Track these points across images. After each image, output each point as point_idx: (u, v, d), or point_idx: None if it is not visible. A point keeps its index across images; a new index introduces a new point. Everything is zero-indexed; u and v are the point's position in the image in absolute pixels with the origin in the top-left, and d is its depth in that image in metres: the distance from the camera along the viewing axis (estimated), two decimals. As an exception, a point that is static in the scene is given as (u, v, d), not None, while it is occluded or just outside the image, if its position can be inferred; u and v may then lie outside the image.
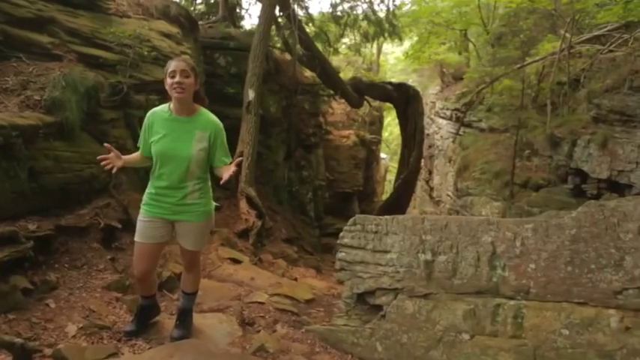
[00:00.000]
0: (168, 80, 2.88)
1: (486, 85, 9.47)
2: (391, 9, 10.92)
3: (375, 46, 16.43)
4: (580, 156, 7.23)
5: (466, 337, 2.72)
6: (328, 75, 12.28)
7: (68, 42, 5.21)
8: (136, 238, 3.10)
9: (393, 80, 14.76)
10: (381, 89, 13.48)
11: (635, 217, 2.33)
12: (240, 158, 3.35)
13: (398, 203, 13.83)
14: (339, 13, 12.29)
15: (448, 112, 15.00)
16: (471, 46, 15.52)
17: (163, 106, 3.09)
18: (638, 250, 2.28)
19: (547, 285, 2.53)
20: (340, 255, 3.81)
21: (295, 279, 7.19)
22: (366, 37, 11.76)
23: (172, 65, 2.88)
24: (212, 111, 9.70)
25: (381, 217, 3.58)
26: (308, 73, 14.00)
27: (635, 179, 6.49)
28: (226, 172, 2.83)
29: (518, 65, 8.96)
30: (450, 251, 2.99)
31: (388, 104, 16.42)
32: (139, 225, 3.10)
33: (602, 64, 8.56)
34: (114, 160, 2.91)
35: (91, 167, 4.77)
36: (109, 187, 5.12)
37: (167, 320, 3.74)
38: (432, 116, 16.64)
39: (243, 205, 8.20)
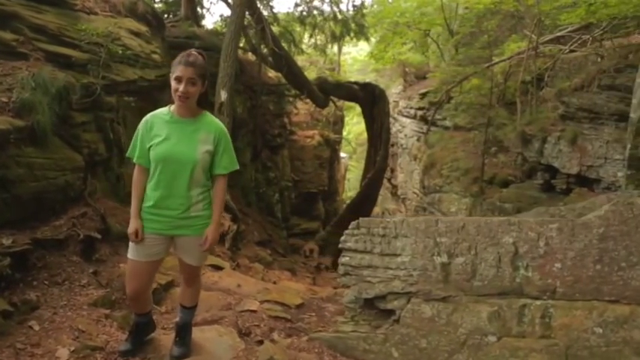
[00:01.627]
0: (173, 84, 2.63)
1: (456, 84, 9.63)
2: (355, 8, 10.90)
3: (336, 46, 16.40)
4: (550, 152, 7.46)
5: (493, 339, 2.68)
6: (295, 75, 12.14)
7: (33, 39, 4.82)
8: (130, 256, 2.83)
9: (359, 80, 14.79)
10: (347, 89, 13.48)
11: (665, 214, 2.38)
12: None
13: (365, 202, 13.89)
14: (304, 13, 12.17)
15: (412, 111, 15.21)
16: (433, 45, 15.85)
17: (163, 109, 2.84)
18: (670, 246, 2.32)
19: (575, 284, 2.52)
20: (344, 259, 3.69)
21: (274, 282, 7.05)
22: (333, 37, 11.70)
23: (180, 69, 2.61)
24: (180, 113, 9.20)
25: (388, 219, 3.49)
26: (272, 73, 13.81)
27: (603, 174, 6.76)
28: (210, 236, 2.78)
29: (486, 65, 9.16)
30: (468, 253, 2.95)
31: (348, 103, 16.49)
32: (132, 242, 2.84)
33: (564, 64, 8.89)
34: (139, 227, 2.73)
35: (65, 174, 4.44)
36: (84, 195, 4.77)
37: (163, 336, 3.50)
38: (395, 115, 16.83)
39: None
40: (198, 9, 13.23)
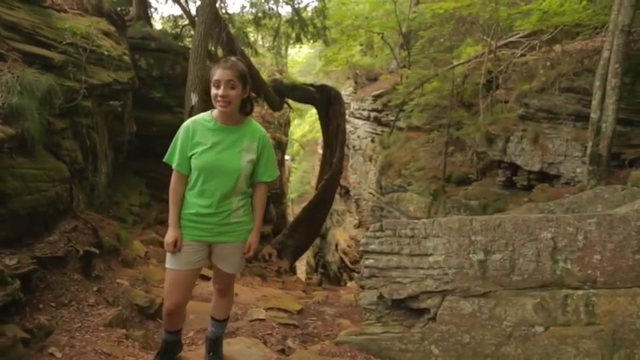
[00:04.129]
0: (213, 90, 2.52)
1: (418, 86, 9.96)
2: (315, 10, 10.94)
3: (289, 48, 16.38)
4: (513, 151, 7.93)
5: (540, 329, 2.82)
6: (252, 78, 11.97)
7: (7, 38, 4.41)
8: (170, 265, 2.69)
9: (315, 82, 14.88)
10: (302, 91, 13.48)
11: (697, 206, 2.64)
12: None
13: (322, 204, 13.96)
14: (259, 14, 12.03)
15: (365, 113, 15.50)
16: (382, 48, 16.28)
17: (205, 114, 2.71)
18: None
19: (615, 273, 2.73)
20: (368, 262, 3.71)
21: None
22: (293, 39, 11.66)
23: (218, 73, 2.51)
24: (138, 117, 8.92)
25: (416, 221, 3.56)
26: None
27: (563, 170, 7.30)
28: (251, 242, 2.76)
29: (448, 67, 9.56)
30: (506, 249, 3.08)
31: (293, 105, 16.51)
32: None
33: (516, 67, 9.48)
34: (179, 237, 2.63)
35: (55, 186, 4.11)
36: (72, 208, 4.45)
37: (189, 353, 3.35)
38: (347, 117, 17.06)
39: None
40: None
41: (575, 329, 2.74)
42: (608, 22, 7.37)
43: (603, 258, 2.77)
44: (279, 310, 4.99)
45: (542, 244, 2.96)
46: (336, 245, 18.99)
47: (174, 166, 2.68)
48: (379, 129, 14.96)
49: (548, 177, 7.64)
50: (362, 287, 8.46)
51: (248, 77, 2.68)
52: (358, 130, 16.80)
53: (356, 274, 16.33)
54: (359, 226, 17.57)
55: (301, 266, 20.79)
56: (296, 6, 11.85)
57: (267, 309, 4.83)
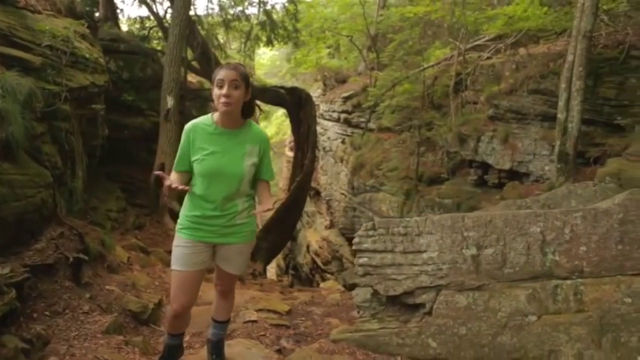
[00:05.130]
0: (216, 90, 2.52)
1: (390, 88, 10.18)
2: (287, 13, 10.99)
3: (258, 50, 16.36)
4: (484, 150, 8.23)
5: (533, 318, 2.99)
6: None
7: (-17, 40, 4.28)
8: (176, 267, 2.69)
9: (285, 84, 14.91)
10: (273, 93, 13.49)
11: (674, 199, 2.86)
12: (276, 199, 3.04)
13: (295, 205, 14.01)
14: (229, 17, 11.98)
15: (335, 115, 15.64)
16: (349, 50, 16.50)
17: (205, 118, 2.71)
18: (680, 225, 2.81)
19: (600, 263, 2.92)
20: (362, 260, 3.80)
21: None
22: (262, 42, 11.67)
23: (221, 73, 2.51)
24: (109, 121, 8.75)
25: (408, 219, 3.68)
26: (193, 77, 13.39)
27: (532, 168, 7.64)
28: (264, 205, 2.65)
29: (419, 69, 9.82)
30: (497, 244, 3.24)
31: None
32: (178, 251, 2.69)
33: (482, 69, 9.84)
34: (174, 181, 2.52)
35: (41, 192, 4.01)
36: (56, 214, 4.34)
37: (189, 357, 3.37)
38: (317, 119, 17.15)
39: (169, 221, 7.58)
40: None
41: (565, 317, 2.92)
42: (569, 28, 7.79)
43: (589, 249, 2.96)
44: (269, 311, 5.02)
45: (531, 237, 3.13)
46: (308, 247, 19.04)
47: (174, 169, 2.72)
48: (349, 130, 15.12)
49: (518, 175, 7.98)
50: (344, 286, 8.57)
51: (250, 80, 2.72)
52: (328, 132, 16.94)
53: (328, 275, 16.47)
54: (330, 227, 17.68)
55: (271, 269, 20.72)
56: (267, 7, 11.90)
57: (258, 310, 4.86)
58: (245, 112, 2.73)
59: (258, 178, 2.79)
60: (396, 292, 3.59)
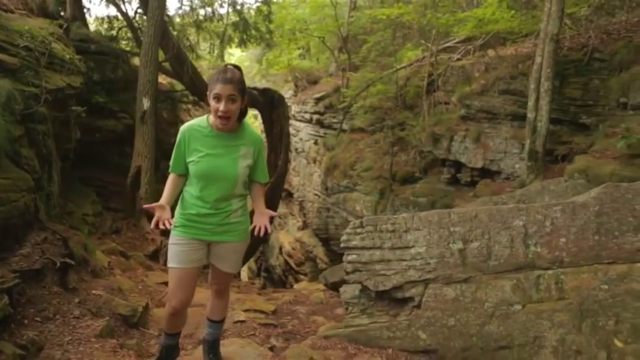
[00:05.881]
0: (212, 104, 2.53)
1: (364, 89, 10.34)
2: (260, 14, 11.00)
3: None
4: (457, 149, 8.49)
5: (518, 307, 3.15)
6: (195, 82, 11.79)
7: (-41, 41, 4.15)
8: (173, 264, 2.71)
9: (257, 86, 14.86)
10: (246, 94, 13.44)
11: (644, 192, 3.08)
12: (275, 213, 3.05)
13: (269, 206, 13.96)
14: (200, 17, 11.89)
15: (307, 115, 15.72)
16: (315, 50, 16.64)
17: (200, 120, 2.72)
18: (650, 216, 3.02)
19: (578, 253, 3.11)
20: (350, 257, 3.90)
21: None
22: (234, 43, 11.62)
23: (218, 87, 2.48)
24: (80, 123, 8.59)
25: (396, 216, 3.81)
26: (162, 78, 13.21)
27: (504, 166, 7.94)
28: (260, 221, 2.67)
29: (392, 70, 10.02)
30: (482, 238, 3.40)
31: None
32: (174, 249, 2.71)
33: (453, 71, 10.14)
34: (163, 214, 2.51)
35: (24, 196, 3.93)
36: (38, 219, 4.26)
37: (185, 358, 3.38)
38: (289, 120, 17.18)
39: (146, 224, 7.48)
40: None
41: (548, 304, 3.10)
42: (535, 30, 8.14)
43: (568, 240, 3.15)
44: (256, 311, 5.07)
45: (514, 231, 3.31)
46: (280, 248, 19.03)
47: (169, 170, 2.73)
48: (322, 131, 15.24)
49: (489, 173, 8.26)
50: (326, 285, 8.62)
51: (245, 87, 2.74)
52: (300, 133, 17.00)
53: (302, 276, 16.53)
54: (303, 228, 17.75)
55: (242, 272, 20.62)
56: (238, 7, 11.87)
57: (245, 311, 4.90)
58: (239, 115, 2.76)
59: (252, 180, 2.83)
60: (385, 287, 3.70)
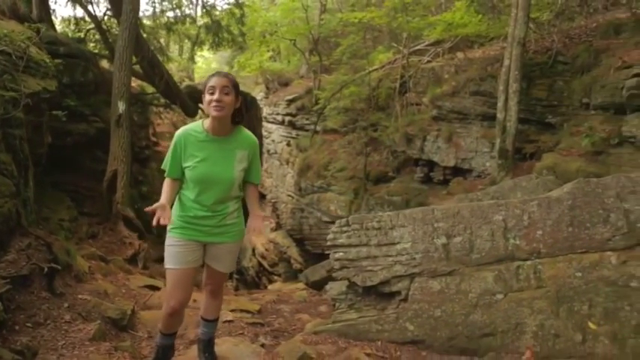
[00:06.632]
0: (207, 97, 2.61)
1: (338, 90, 10.50)
2: (233, 17, 10.99)
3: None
4: (430, 149, 8.75)
5: (500, 296, 3.34)
6: (167, 84, 11.68)
7: None
8: (171, 265, 2.76)
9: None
10: (218, 97, 13.39)
11: (612, 187, 3.30)
12: (268, 216, 3.13)
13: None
14: (171, 20, 11.78)
15: (279, 117, 15.79)
16: (285, 53, 16.73)
17: (195, 125, 2.77)
18: (618, 208, 3.24)
19: (554, 244, 3.32)
20: (338, 255, 4.02)
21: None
22: (205, 45, 11.57)
23: (212, 80, 2.61)
24: (52, 127, 8.46)
25: (381, 214, 3.95)
26: (132, 81, 13.01)
27: (475, 164, 8.24)
28: (254, 224, 2.78)
29: (365, 72, 10.23)
30: (465, 232, 3.58)
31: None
32: (171, 250, 2.76)
33: (423, 72, 10.44)
34: (164, 213, 2.55)
35: (7, 202, 3.89)
36: (21, 224, 4.20)
37: (179, 358, 3.42)
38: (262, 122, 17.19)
39: (123, 228, 7.40)
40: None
41: (528, 293, 3.30)
42: (502, 34, 8.50)
43: (544, 233, 3.37)
44: (242, 311, 5.13)
45: (495, 225, 3.50)
46: (253, 250, 18.98)
47: (166, 175, 2.79)
48: (294, 132, 15.34)
49: (461, 171, 8.56)
50: (307, 284, 8.71)
51: (239, 88, 2.84)
52: (272, 135, 17.04)
53: (276, 277, 16.55)
54: (276, 229, 17.78)
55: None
56: (209, 9, 11.81)
57: (231, 311, 4.94)
58: (235, 118, 2.84)
59: (246, 181, 2.91)
60: (373, 282, 3.83)
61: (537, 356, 3.10)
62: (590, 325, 3.09)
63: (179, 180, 2.79)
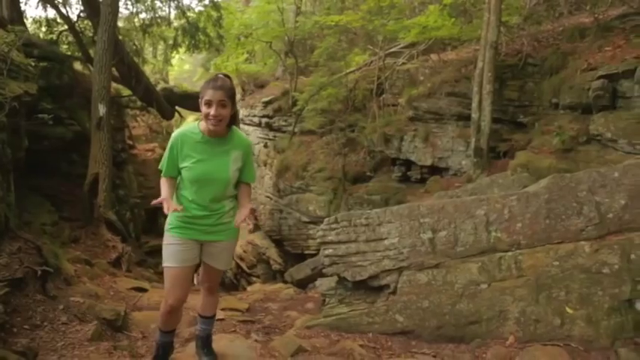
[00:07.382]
0: (204, 109, 2.68)
1: (316, 92, 10.65)
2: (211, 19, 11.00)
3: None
4: (407, 148, 8.99)
5: (484, 286, 3.55)
6: (143, 87, 11.62)
7: None
8: (169, 264, 2.84)
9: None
10: (195, 99, 13.37)
11: (584, 181, 3.55)
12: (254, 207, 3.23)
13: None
14: (146, 22, 11.71)
15: (256, 119, 15.81)
16: (260, 55, 16.76)
17: (192, 126, 2.87)
18: (590, 201, 3.49)
19: (533, 236, 3.55)
20: (327, 252, 4.18)
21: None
22: (181, 48, 11.53)
23: (209, 94, 2.65)
24: (29, 131, 8.37)
25: (369, 211, 4.12)
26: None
27: (451, 163, 8.52)
28: (241, 214, 2.85)
29: (342, 74, 10.41)
30: (449, 226, 3.77)
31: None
32: (170, 249, 2.85)
33: (399, 74, 10.69)
34: (171, 203, 2.67)
35: (-4, 206, 3.87)
36: (9, 228, 4.19)
37: (177, 354, 3.50)
38: (240, 124, 17.18)
39: (105, 231, 7.37)
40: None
41: (509, 282, 3.52)
42: (474, 37, 8.81)
43: (524, 225, 3.60)
44: (231, 309, 5.21)
45: (477, 219, 3.71)
46: (231, 252, 18.86)
47: (162, 175, 2.88)
48: (272, 134, 15.38)
49: (438, 170, 8.82)
50: (291, 283, 8.80)
51: (235, 94, 2.93)
52: (249, 137, 17.03)
53: (254, 278, 16.57)
54: (254, 230, 17.78)
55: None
56: (184, 11, 11.78)
57: (222, 309, 5.02)
58: (230, 121, 2.94)
59: (240, 180, 3.02)
60: (362, 277, 4.00)
61: (520, 340, 3.32)
62: (568, 309, 3.32)
63: (175, 178, 2.89)
